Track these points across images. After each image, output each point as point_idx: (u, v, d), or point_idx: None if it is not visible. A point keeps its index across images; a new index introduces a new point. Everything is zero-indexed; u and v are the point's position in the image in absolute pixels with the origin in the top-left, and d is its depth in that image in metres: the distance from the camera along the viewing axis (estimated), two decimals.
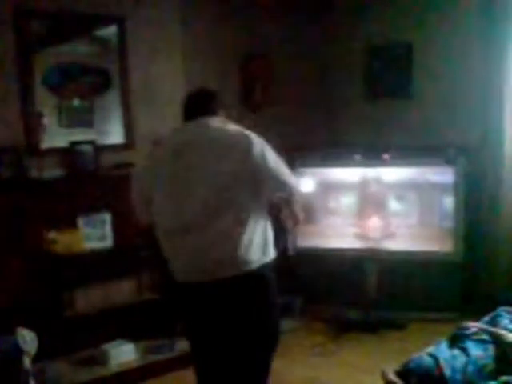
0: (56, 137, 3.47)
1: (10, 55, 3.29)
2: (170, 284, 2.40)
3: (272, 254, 2.36)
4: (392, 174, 4.00)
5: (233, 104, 4.03)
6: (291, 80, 4.50)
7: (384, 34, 4.40)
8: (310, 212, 4.15)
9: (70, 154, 3.46)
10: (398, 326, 3.94)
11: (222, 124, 2.35)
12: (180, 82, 3.80)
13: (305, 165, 4.10)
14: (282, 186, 2.36)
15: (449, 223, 3.84)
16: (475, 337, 2.42)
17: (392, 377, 2.24)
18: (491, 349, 2.31)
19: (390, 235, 4.00)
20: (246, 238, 2.23)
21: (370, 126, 4.47)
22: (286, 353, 2.70)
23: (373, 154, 4.03)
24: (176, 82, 3.79)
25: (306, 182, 4.13)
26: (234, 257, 2.22)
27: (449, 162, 3.80)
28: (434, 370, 2.24)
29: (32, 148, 3.36)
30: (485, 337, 2.39)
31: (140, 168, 2.57)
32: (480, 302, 3.70)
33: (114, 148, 3.64)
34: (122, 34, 3.65)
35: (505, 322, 2.54)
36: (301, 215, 2.44)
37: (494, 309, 2.69)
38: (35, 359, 2.83)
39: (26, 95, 3.34)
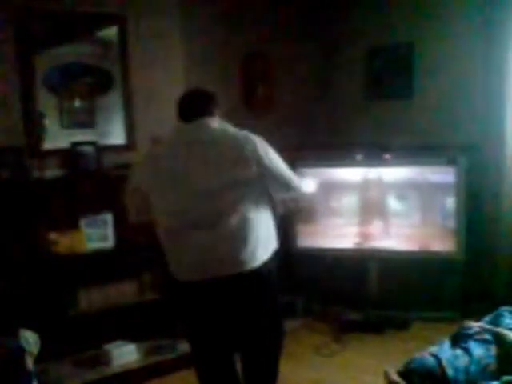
0: (57, 137, 3.47)
1: (11, 56, 3.29)
2: (172, 283, 2.40)
3: (273, 247, 2.37)
4: (393, 173, 4.00)
5: (234, 105, 4.04)
6: (292, 80, 4.50)
7: (385, 34, 4.40)
8: (311, 212, 4.15)
9: (71, 154, 3.46)
10: (399, 325, 3.94)
11: (222, 125, 2.37)
12: (181, 83, 3.80)
13: (305, 165, 4.10)
14: (284, 185, 2.37)
15: (450, 223, 3.84)
16: (477, 336, 2.43)
17: (394, 377, 2.24)
18: (493, 348, 2.31)
19: (391, 235, 4.01)
20: (248, 236, 2.24)
21: (371, 126, 4.47)
22: (288, 354, 2.70)
23: (374, 153, 4.04)
24: (177, 83, 3.79)
25: (306, 182, 4.12)
26: (238, 255, 2.24)
27: (450, 161, 3.80)
28: (436, 369, 2.24)
29: (33, 149, 3.35)
30: (487, 336, 2.39)
31: (138, 164, 2.57)
32: (482, 302, 3.70)
33: (115, 149, 3.64)
34: (122, 34, 3.65)
35: (507, 321, 2.55)
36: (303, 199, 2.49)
37: (495, 308, 2.70)
38: (38, 360, 2.83)
39: (27, 96, 3.34)
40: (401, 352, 3.12)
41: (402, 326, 3.94)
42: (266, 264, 2.30)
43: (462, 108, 4.06)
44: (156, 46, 3.78)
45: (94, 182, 3.49)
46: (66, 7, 3.41)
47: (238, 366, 2.48)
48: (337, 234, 4.13)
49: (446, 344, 2.45)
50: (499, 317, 2.61)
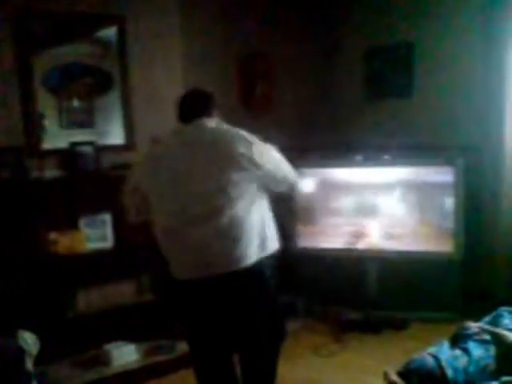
0: (56, 138, 3.47)
1: (10, 56, 3.29)
2: (169, 283, 2.42)
3: (272, 246, 2.38)
4: (392, 173, 4.00)
5: (233, 104, 4.04)
6: (292, 80, 4.50)
7: (385, 33, 4.40)
8: (311, 212, 4.16)
9: (70, 154, 3.46)
10: (399, 326, 3.94)
11: (219, 125, 2.39)
12: (180, 82, 3.80)
13: (305, 165, 4.10)
14: (281, 182, 2.39)
15: (449, 223, 3.84)
16: (477, 337, 2.43)
17: (394, 377, 2.24)
18: (493, 349, 2.31)
19: (389, 235, 4.01)
20: (242, 234, 2.26)
21: (370, 126, 4.47)
22: (288, 354, 2.70)
23: (373, 154, 4.04)
24: (176, 82, 3.79)
25: (306, 182, 4.13)
26: (234, 253, 2.26)
27: (449, 161, 3.80)
28: (435, 370, 2.24)
29: (32, 149, 3.36)
30: (486, 337, 2.39)
31: (137, 164, 2.57)
32: (481, 302, 3.71)
33: (114, 149, 3.64)
34: (122, 34, 3.65)
35: (506, 321, 2.55)
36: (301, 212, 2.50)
37: (494, 308, 2.70)
38: (37, 361, 2.82)
39: (26, 96, 3.34)
40: (400, 352, 3.12)
41: (401, 326, 3.94)
42: (260, 263, 2.32)
43: (462, 108, 4.07)
44: (155, 45, 3.78)
45: (93, 182, 3.49)
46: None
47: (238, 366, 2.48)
48: (336, 234, 4.13)
49: (445, 344, 2.45)
50: (498, 317, 2.61)
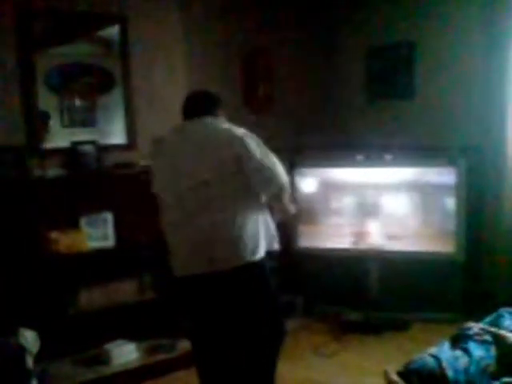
0: (58, 137, 3.47)
1: (12, 55, 3.29)
2: (170, 280, 2.43)
3: (267, 246, 2.40)
4: (393, 174, 3.99)
5: (235, 104, 4.04)
6: (292, 80, 4.50)
7: (385, 33, 4.39)
8: (311, 212, 4.16)
9: (72, 154, 3.46)
10: (399, 326, 3.93)
11: (219, 122, 2.43)
12: (182, 82, 3.80)
13: (306, 165, 4.10)
14: (271, 182, 2.37)
15: (451, 224, 3.83)
16: (477, 337, 2.43)
17: (394, 377, 2.24)
18: (493, 349, 2.31)
19: (391, 236, 4.00)
20: (244, 230, 2.30)
21: (371, 127, 4.47)
22: (287, 354, 2.70)
23: (374, 154, 4.03)
24: (178, 82, 3.80)
25: (306, 182, 4.13)
26: (233, 249, 2.30)
27: (451, 162, 3.80)
28: (436, 370, 2.24)
29: (34, 148, 3.36)
30: (487, 337, 2.39)
31: (151, 166, 2.61)
32: (482, 303, 3.70)
33: (116, 148, 3.64)
34: (124, 33, 3.65)
35: (507, 322, 2.55)
36: (291, 208, 2.48)
37: (496, 309, 2.69)
38: (37, 359, 2.83)
39: (28, 95, 3.35)
40: (400, 353, 3.12)
41: (402, 327, 3.93)
42: (261, 261, 2.33)
43: (463, 109, 4.06)
44: (157, 45, 3.78)
45: (94, 181, 3.50)
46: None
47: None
48: (337, 235, 4.13)
49: (446, 345, 2.45)
50: (499, 318, 2.61)
